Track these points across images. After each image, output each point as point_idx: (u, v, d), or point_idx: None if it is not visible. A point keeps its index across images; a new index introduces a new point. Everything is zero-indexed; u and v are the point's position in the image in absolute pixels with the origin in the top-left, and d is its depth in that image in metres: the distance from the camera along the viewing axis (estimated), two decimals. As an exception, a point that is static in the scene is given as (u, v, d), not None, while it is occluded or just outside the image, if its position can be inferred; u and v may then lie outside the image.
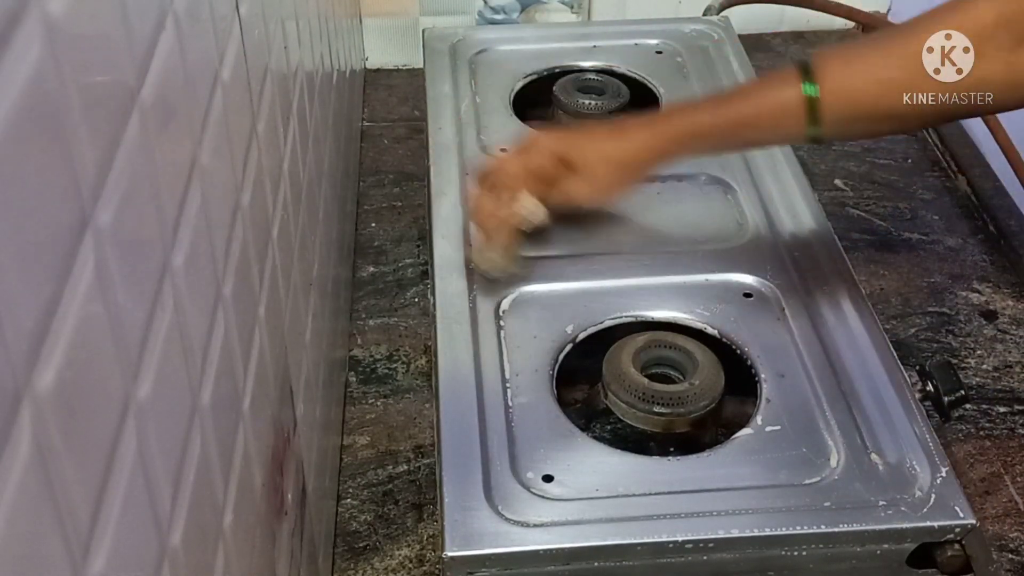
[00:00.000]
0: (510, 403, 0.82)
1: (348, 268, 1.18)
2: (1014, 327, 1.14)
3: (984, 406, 1.04)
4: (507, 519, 0.73)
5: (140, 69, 0.43)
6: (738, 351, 0.87)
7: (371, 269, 1.22)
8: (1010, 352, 1.10)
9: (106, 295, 0.37)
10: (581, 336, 0.89)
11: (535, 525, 0.73)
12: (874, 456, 0.78)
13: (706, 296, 0.92)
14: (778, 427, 0.80)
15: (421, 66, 1.24)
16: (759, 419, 0.81)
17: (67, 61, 0.34)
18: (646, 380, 0.83)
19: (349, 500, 0.97)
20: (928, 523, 0.73)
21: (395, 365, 1.11)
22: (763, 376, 0.84)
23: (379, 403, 1.06)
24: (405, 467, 1.00)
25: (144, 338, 0.41)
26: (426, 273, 1.12)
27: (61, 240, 0.34)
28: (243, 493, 0.57)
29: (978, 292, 1.19)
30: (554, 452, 0.78)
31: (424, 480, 0.99)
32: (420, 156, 1.08)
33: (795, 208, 1.01)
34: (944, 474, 0.76)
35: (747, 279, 0.94)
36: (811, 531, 0.73)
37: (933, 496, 0.74)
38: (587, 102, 1.15)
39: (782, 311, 0.90)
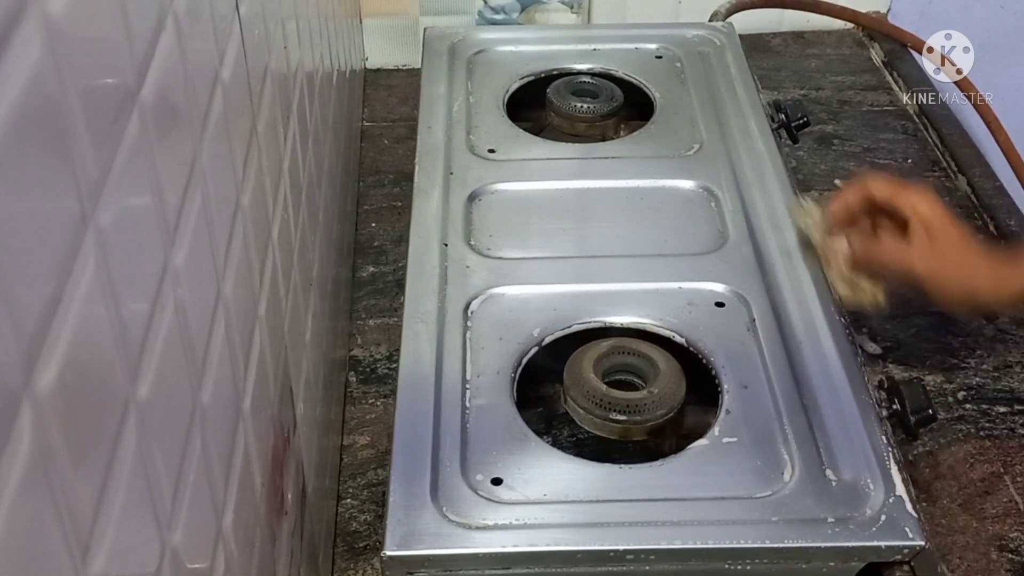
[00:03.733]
0: (468, 404, 0.81)
1: (348, 268, 1.18)
2: (1014, 327, 1.14)
3: (984, 406, 1.04)
4: (450, 520, 0.72)
5: (140, 69, 0.43)
6: (704, 361, 0.86)
7: (371, 269, 1.22)
8: (1010, 352, 1.10)
9: (106, 295, 0.37)
10: (547, 340, 0.88)
11: (477, 528, 0.72)
12: (829, 472, 0.76)
13: (677, 304, 0.91)
14: (735, 439, 0.79)
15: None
16: (717, 430, 0.80)
17: (67, 61, 0.34)
18: (604, 386, 0.83)
19: (349, 500, 0.97)
20: (876, 543, 0.72)
21: (395, 365, 1.10)
22: (726, 387, 0.83)
23: (379, 403, 1.06)
24: (405, 467, 1.00)
25: (144, 338, 0.41)
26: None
27: (61, 240, 0.34)
28: (243, 493, 0.57)
29: (978, 292, 1.19)
30: (506, 455, 0.78)
31: (424, 480, 0.99)
32: (420, 156, 1.08)
33: (778, 219, 1.00)
34: (897, 494, 0.74)
35: (720, 288, 0.93)
36: (755, 545, 0.72)
37: (883, 516, 0.73)
38: (580, 105, 1.15)
39: (752, 322, 0.89)
